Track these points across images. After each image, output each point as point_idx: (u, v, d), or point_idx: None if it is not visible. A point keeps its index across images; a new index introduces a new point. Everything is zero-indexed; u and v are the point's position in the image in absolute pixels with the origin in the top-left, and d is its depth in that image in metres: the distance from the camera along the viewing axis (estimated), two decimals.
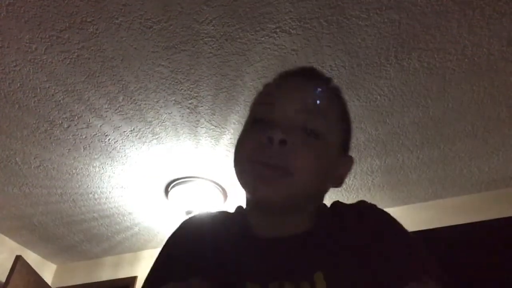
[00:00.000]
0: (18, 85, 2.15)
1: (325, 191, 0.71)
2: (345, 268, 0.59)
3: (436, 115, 2.21)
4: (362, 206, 0.70)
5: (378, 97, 2.12)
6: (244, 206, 0.72)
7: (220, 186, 2.83)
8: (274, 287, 0.57)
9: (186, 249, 0.69)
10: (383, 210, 0.69)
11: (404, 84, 2.05)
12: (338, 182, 0.72)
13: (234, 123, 2.33)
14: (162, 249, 0.75)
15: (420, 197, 2.81)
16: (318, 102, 0.67)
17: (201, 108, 2.24)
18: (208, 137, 2.43)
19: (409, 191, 2.77)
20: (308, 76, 0.72)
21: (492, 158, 2.48)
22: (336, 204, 0.73)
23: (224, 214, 0.75)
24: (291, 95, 0.67)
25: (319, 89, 0.70)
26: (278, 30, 1.83)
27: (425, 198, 2.81)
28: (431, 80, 2.02)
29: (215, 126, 2.36)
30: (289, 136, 0.60)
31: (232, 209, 0.76)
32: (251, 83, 2.08)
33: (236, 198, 2.90)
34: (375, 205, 0.70)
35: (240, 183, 0.66)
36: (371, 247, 0.60)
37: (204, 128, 2.37)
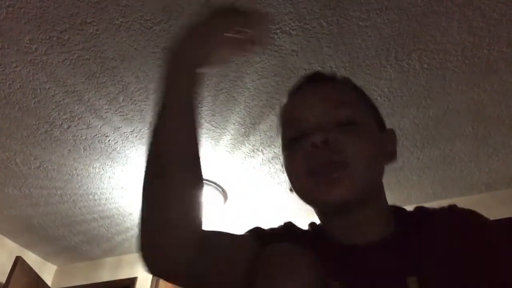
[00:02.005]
0: (18, 86, 2.15)
1: (383, 171, 0.69)
2: (443, 275, 0.56)
3: (436, 116, 2.21)
4: (461, 212, 0.66)
5: (378, 97, 2.12)
6: (317, 222, 0.73)
7: (220, 187, 2.83)
8: None
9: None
10: (483, 217, 0.65)
11: (404, 85, 2.05)
12: (391, 156, 0.72)
13: (234, 124, 2.33)
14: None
15: (420, 198, 2.81)
16: (337, 95, 0.68)
17: (201, 109, 2.24)
18: (208, 137, 2.43)
19: (409, 192, 2.77)
20: (316, 79, 0.73)
21: (492, 159, 2.47)
22: (421, 208, 0.71)
23: (297, 229, 0.74)
24: (310, 101, 0.67)
25: (333, 84, 0.72)
26: (278, 30, 1.83)
27: (425, 199, 2.81)
28: (431, 81, 2.02)
29: (215, 127, 2.36)
30: (328, 134, 0.61)
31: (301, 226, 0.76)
32: (251, 84, 2.08)
33: (236, 199, 2.90)
34: (474, 212, 0.66)
35: (310, 203, 0.66)
36: (476, 256, 0.58)
37: (204, 129, 2.37)
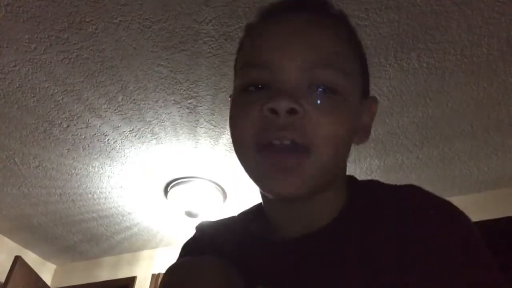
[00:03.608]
0: (17, 85, 2.14)
1: (349, 151, 0.56)
2: (383, 278, 0.46)
3: (436, 115, 2.21)
4: (413, 197, 0.51)
5: (378, 97, 2.11)
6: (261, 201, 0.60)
7: (220, 186, 2.83)
8: None
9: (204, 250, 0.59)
10: (443, 207, 0.50)
11: (403, 84, 2.05)
12: (364, 135, 0.58)
13: None
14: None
15: None
16: (327, 45, 0.51)
17: (200, 108, 2.24)
18: (208, 137, 2.43)
19: None
20: (303, 8, 0.54)
21: (491, 158, 2.48)
22: (374, 185, 0.57)
23: (239, 218, 0.64)
24: (288, 43, 0.50)
25: (325, 24, 0.53)
26: None
27: None
28: (431, 80, 2.02)
29: (215, 126, 2.35)
30: (298, 101, 0.46)
31: (247, 209, 0.66)
32: None
33: (236, 198, 2.90)
34: (430, 197, 0.51)
35: (250, 177, 0.52)
36: (416, 258, 0.45)
37: (204, 128, 2.37)
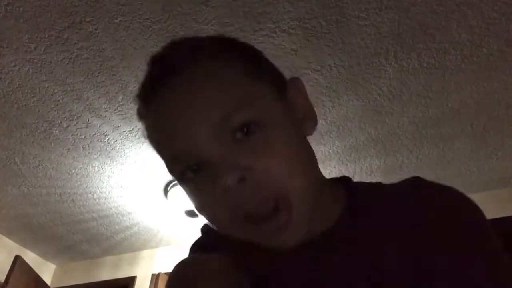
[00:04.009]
0: (17, 84, 2.14)
1: (313, 156, 0.52)
2: (395, 274, 0.45)
3: (436, 115, 2.21)
4: (428, 188, 0.50)
5: (378, 97, 2.12)
6: None
7: None
8: None
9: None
10: (461, 199, 0.49)
11: (403, 84, 2.05)
12: (309, 121, 0.53)
13: None
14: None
15: None
16: (219, 97, 0.46)
17: None
18: None
19: None
20: (174, 70, 0.49)
21: (491, 158, 2.48)
22: (378, 186, 0.56)
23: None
24: (187, 124, 0.46)
25: (202, 76, 0.48)
26: (277, 30, 1.83)
27: None
28: (430, 80, 2.02)
29: None
30: (237, 167, 0.44)
31: None
32: None
33: None
34: (448, 189, 0.49)
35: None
36: (435, 251, 0.45)
37: None
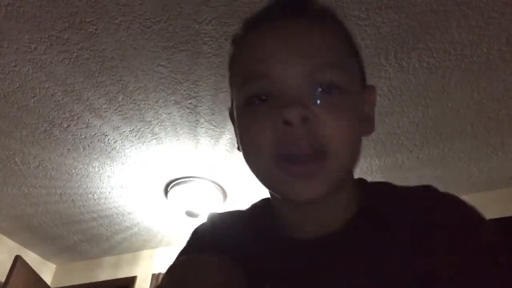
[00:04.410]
0: (18, 85, 2.14)
1: (361, 145, 0.55)
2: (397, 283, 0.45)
3: (436, 115, 2.21)
4: (432, 199, 0.50)
5: (378, 97, 2.12)
6: (270, 198, 0.59)
7: (220, 186, 2.83)
8: None
9: (209, 245, 0.59)
10: (465, 211, 0.50)
11: (403, 84, 2.05)
12: (368, 126, 0.57)
13: None
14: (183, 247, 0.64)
15: None
16: (323, 48, 0.50)
17: (200, 108, 2.24)
18: (208, 137, 2.43)
19: None
20: (294, 8, 0.53)
21: (491, 158, 2.48)
22: (388, 186, 0.56)
23: (247, 213, 0.63)
24: (287, 53, 0.49)
25: (318, 25, 0.52)
26: None
27: None
28: (431, 80, 2.02)
29: (215, 126, 2.36)
30: (308, 107, 0.46)
31: (255, 203, 0.65)
32: None
33: (236, 198, 2.90)
34: (453, 199, 0.50)
35: (266, 186, 0.53)
36: (438, 264, 0.45)
37: (204, 128, 2.37)
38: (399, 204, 0.52)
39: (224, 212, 0.65)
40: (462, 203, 0.51)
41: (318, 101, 0.48)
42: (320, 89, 0.48)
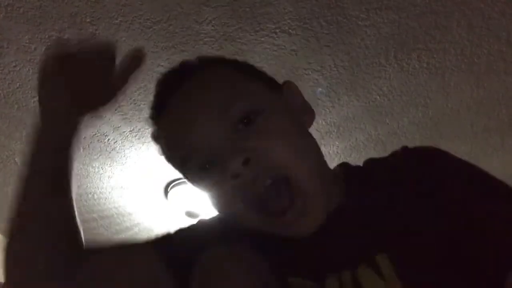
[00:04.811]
0: (18, 85, 2.14)
1: (313, 140, 0.56)
2: (418, 245, 0.45)
3: (436, 115, 2.21)
4: (418, 152, 0.53)
5: (378, 97, 2.12)
6: None
7: None
8: (331, 282, 0.47)
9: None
10: (449, 155, 0.52)
11: (403, 84, 2.05)
12: (308, 115, 0.58)
13: None
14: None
15: None
16: (216, 95, 0.51)
17: None
18: None
19: None
20: (175, 84, 0.56)
21: (491, 158, 2.48)
22: (371, 160, 0.58)
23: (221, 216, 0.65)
24: (189, 124, 0.50)
25: (201, 86, 0.54)
26: (277, 30, 1.83)
27: None
28: (431, 80, 2.02)
29: None
30: (240, 151, 0.46)
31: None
32: None
33: None
34: (434, 149, 0.53)
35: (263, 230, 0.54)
36: (450, 213, 0.45)
37: None
38: (381, 171, 0.54)
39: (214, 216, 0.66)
40: (436, 150, 0.54)
41: (247, 136, 0.48)
42: (241, 125, 0.49)
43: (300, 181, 0.48)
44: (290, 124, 0.51)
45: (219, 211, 0.56)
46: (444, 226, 0.46)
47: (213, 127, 0.50)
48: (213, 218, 0.68)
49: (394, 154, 0.58)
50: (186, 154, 0.53)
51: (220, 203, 0.53)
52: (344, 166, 0.62)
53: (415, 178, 0.50)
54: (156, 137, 0.63)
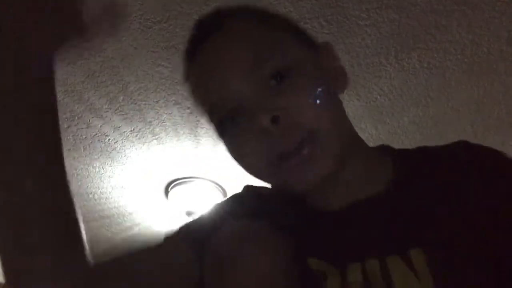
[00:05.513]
0: None
1: (342, 107, 0.55)
2: (458, 247, 0.44)
3: (436, 115, 2.21)
4: (476, 149, 0.51)
5: (378, 96, 2.12)
6: None
7: (221, 187, 2.83)
8: (354, 268, 0.45)
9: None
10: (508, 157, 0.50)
11: (404, 84, 2.05)
12: (341, 79, 0.57)
13: None
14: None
15: None
16: (250, 46, 0.50)
17: None
18: (209, 137, 2.43)
19: None
20: (210, 29, 0.55)
21: None
22: (424, 148, 0.57)
23: (260, 197, 0.62)
24: (222, 72, 0.50)
25: (238, 33, 0.53)
26: None
27: None
28: (431, 80, 2.02)
29: None
30: (271, 108, 0.46)
31: None
32: None
33: None
34: (495, 151, 0.51)
35: (275, 186, 0.54)
36: (498, 215, 0.44)
37: (204, 129, 2.37)
38: (434, 162, 0.51)
39: (258, 186, 0.64)
40: (498, 153, 0.51)
41: (278, 93, 0.48)
42: (273, 81, 0.48)
43: (318, 135, 0.47)
44: (323, 86, 0.50)
45: (238, 162, 0.53)
46: (490, 235, 0.44)
47: (245, 80, 0.49)
48: (229, 197, 0.64)
49: (453, 147, 0.55)
50: (215, 104, 0.52)
51: (242, 155, 0.52)
52: (389, 148, 0.60)
53: (472, 179, 0.48)
54: (187, 80, 0.61)
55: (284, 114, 0.47)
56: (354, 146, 0.54)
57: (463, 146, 0.54)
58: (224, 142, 0.55)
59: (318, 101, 0.48)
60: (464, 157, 0.51)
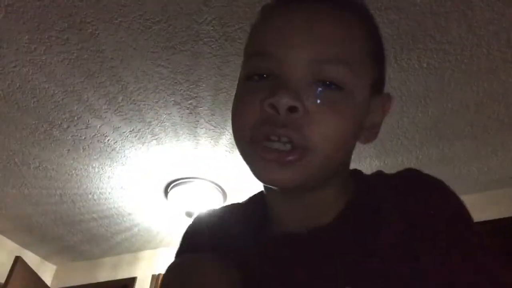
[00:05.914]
0: (17, 85, 2.14)
1: (353, 148, 0.53)
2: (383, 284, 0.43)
3: (436, 115, 2.21)
4: (418, 183, 0.50)
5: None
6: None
7: (220, 187, 2.83)
8: None
9: (198, 245, 0.59)
10: (449, 194, 0.49)
11: (403, 85, 2.05)
12: (370, 134, 0.54)
13: None
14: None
15: None
16: (335, 39, 0.47)
17: (200, 108, 2.24)
18: (208, 137, 2.43)
19: None
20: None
21: (491, 158, 2.48)
22: (379, 174, 0.55)
23: (243, 205, 0.62)
24: (297, 35, 0.46)
25: (336, 18, 0.48)
26: None
27: None
28: (430, 81, 2.02)
29: (215, 127, 2.35)
30: (299, 98, 0.43)
31: (247, 199, 0.64)
32: None
33: (236, 198, 2.89)
34: (438, 183, 0.50)
35: (245, 162, 0.51)
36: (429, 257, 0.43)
37: (204, 129, 2.37)
38: (385, 196, 0.50)
39: (218, 208, 0.64)
40: (451, 194, 0.50)
41: (314, 96, 0.45)
42: (320, 84, 0.45)
43: (313, 156, 0.45)
44: (351, 124, 0.47)
45: (233, 116, 0.52)
46: (417, 279, 0.43)
47: (307, 59, 0.45)
48: (201, 220, 0.65)
49: (400, 177, 0.53)
50: (264, 52, 0.48)
51: (239, 111, 0.50)
52: (357, 173, 0.58)
53: (408, 216, 0.46)
54: (263, 13, 0.56)
55: (303, 114, 0.44)
56: (337, 174, 0.52)
57: (407, 179, 0.52)
58: (238, 89, 0.53)
59: (337, 133, 0.46)
60: (406, 192, 0.49)
